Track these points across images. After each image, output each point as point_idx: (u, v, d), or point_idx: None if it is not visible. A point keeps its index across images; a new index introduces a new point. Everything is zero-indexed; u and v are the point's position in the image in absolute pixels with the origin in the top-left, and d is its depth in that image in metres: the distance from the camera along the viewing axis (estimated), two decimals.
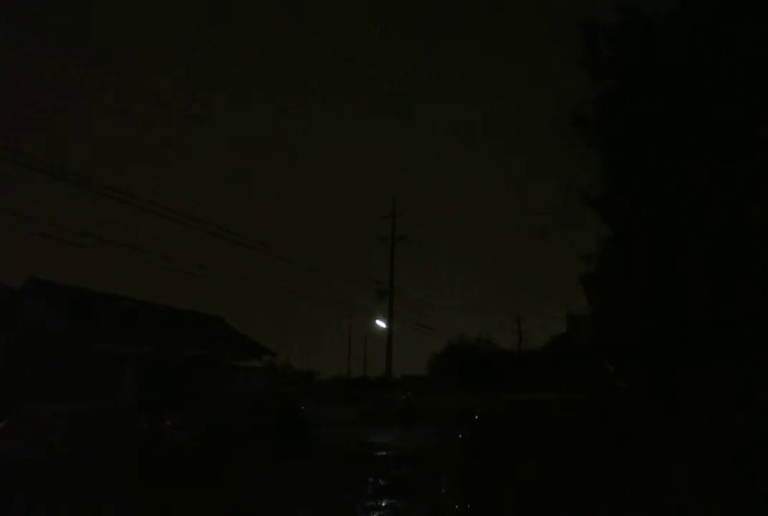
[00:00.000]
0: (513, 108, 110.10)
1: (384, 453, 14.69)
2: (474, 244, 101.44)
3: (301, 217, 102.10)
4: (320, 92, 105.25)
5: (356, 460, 13.44)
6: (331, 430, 19.79)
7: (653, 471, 8.46)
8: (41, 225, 15.77)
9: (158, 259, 27.51)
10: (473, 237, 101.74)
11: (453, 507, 8.23)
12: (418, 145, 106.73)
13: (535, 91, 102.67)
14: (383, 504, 8.30)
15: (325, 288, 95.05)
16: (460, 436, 10.71)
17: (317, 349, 77.38)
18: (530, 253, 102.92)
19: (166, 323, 26.72)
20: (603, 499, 8.00)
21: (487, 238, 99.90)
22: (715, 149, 7.10)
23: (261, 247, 23.10)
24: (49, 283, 23.30)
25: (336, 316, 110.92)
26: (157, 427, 12.56)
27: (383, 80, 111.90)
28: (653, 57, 8.85)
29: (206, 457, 11.85)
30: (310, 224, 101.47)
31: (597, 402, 11.57)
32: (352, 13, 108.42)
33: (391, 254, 31.79)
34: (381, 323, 33.86)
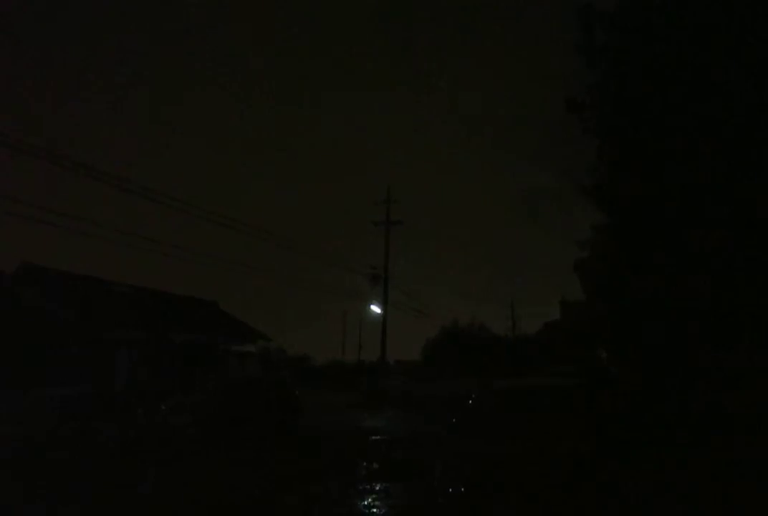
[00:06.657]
0: (510, 94, 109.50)
1: (378, 437, 14.80)
2: (469, 231, 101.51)
3: (299, 203, 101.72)
4: (319, 81, 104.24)
5: (350, 444, 13.55)
6: (325, 415, 19.92)
7: (630, 457, 8.57)
8: (32, 209, 15.55)
9: (153, 245, 27.40)
10: (469, 223, 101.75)
11: (446, 490, 8.33)
12: (415, 132, 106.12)
13: (533, 77, 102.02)
14: (377, 487, 8.39)
15: (320, 273, 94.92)
16: (453, 420, 10.82)
17: (311, 334, 77.53)
18: (525, 240, 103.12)
19: (161, 308, 26.69)
20: (588, 484, 8.17)
21: (482, 224, 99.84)
22: (713, 137, 7.09)
23: (257, 232, 23.02)
24: (42, 268, 23.18)
25: (330, 302, 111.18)
26: (150, 412, 12.63)
27: (381, 66, 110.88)
28: (649, 42, 8.81)
29: (201, 441, 11.92)
30: (308, 211, 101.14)
31: (587, 388, 11.68)
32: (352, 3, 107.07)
33: (386, 240, 31.73)
34: (375, 308, 33.91)
